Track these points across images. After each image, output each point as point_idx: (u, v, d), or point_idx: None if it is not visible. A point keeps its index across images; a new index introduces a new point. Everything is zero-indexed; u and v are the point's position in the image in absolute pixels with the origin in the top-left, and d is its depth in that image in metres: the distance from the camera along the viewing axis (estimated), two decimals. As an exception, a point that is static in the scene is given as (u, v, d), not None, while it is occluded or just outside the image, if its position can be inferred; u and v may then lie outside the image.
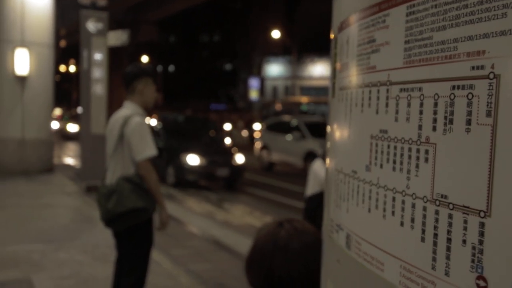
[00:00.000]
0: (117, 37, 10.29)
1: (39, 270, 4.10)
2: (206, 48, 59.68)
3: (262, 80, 46.80)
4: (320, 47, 37.66)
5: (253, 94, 47.29)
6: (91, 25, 7.86)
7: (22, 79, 9.43)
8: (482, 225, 0.33)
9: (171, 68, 63.84)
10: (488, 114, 0.33)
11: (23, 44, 9.37)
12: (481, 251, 0.33)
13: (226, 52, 56.75)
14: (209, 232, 6.03)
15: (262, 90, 46.78)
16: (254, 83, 47.28)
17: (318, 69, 41.62)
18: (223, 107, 51.08)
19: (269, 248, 1.08)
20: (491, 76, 0.32)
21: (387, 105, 0.43)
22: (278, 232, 1.10)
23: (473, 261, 0.34)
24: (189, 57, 59.80)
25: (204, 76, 58.21)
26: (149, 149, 2.72)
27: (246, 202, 8.54)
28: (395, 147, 0.42)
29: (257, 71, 48.49)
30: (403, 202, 0.41)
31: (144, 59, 42.12)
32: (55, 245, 4.87)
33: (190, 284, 4.03)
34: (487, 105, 0.33)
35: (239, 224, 6.76)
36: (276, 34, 38.05)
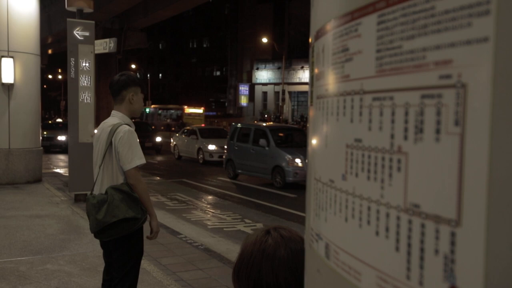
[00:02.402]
0: (105, 45, 10.25)
1: (27, 282, 4.05)
2: (195, 55, 59.69)
3: (252, 86, 46.87)
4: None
5: (243, 100, 47.37)
6: (78, 33, 7.82)
7: (8, 88, 9.34)
8: (453, 234, 0.33)
9: (161, 75, 63.66)
10: (457, 123, 0.33)
11: (9, 53, 9.30)
12: (452, 261, 0.33)
13: (215, 58, 56.82)
14: (200, 240, 6.00)
15: (252, 96, 46.85)
16: (243, 89, 47.33)
17: (308, 75, 41.76)
18: (213, 114, 51.06)
19: (257, 256, 1.08)
20: (458, 85, 0.32)
21: (361, 114, 0.43)
22: (265, 240, 1.10)
23: (445, 270, 0.33)
24: (178, 64, 59.78)
25: (194, 83, 58.15)
26: (138, 158, 2.71)
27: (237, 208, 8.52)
28: (369, 156, 0.42)
29: (247, 77, 48.55)
30: (377, 211, 0.41)
31: (133, 66, 41.93)
32: (43, 256, 4.80)
33: (180, 293, 4.00)
34: (455, 114, 0.33)
35: (230, 231, 6.73)
36: (265, 40, 38.19)
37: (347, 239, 0.46)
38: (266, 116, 41.02)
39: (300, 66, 42.01)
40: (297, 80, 42.81)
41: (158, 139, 19.67)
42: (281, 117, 38.37)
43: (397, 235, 0.38)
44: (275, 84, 44.25)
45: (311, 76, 0.60)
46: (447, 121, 0.33)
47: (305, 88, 43.41)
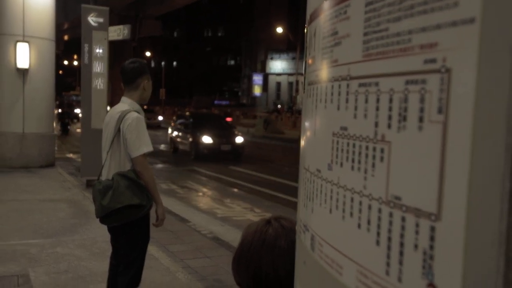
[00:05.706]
0: (119, 31, 10.27)
1: (37, 264, 4.11)
2: (210, 43, 59.60)
3: (266, 76, 46.74)
4: (324, 43, 37.55)
5: (257, 90, 47.27)
6: (92, 19, 7.85)
7: (23, 73, 9.44)
8: (432, 229, 0.31)
9: (175, 63, 63.75)
10: (440, 111, 0.30)
11: (24, 38, 9.38)
12: (431, 257, 0.31)
13: (230, 47, 56.70)
14: (209, 228, 6.03)
15: (266, 86, 46.73)
16: (257, 79, 47.21)
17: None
18: (226, 103, 51.10)
19: (257, 246, 1.07)
20: (443, 70, 0.30)
21: (347, 100, 0.41)
22: (266, 230, 1.09)
23: (424, 267, 0.32)
24: (193, 52, 59.81)
25: (208, 72, 58.18)
26: (145, 145, 2.70)
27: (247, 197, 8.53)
28: (353, 145, 0.40)
29: (261, 67, 48.37)
30: (360, 203, 0.39)
31: (148, 54, 42.07)
32: (53, 239, 4.87)
33: (188, 280, 4.02)
34: (439, 101, 0.30)
35: (239, 220, 6.75)
36: (280, 30, 37.94)
37: (331, 231, 0.44)
38: (279, 106, 40.89)
39: (315, 57, 41.60)
40: (311, 71, 42.43)
41: (239, 139, 13.14)
42: (294, 108, 38.23)
43: (378, 229, 0.36)
44: (289, 74, 44.04)
45: (305, 62, 0.58)
46: (430, 108, 0.31)
47: (319, 79, 43.03)
